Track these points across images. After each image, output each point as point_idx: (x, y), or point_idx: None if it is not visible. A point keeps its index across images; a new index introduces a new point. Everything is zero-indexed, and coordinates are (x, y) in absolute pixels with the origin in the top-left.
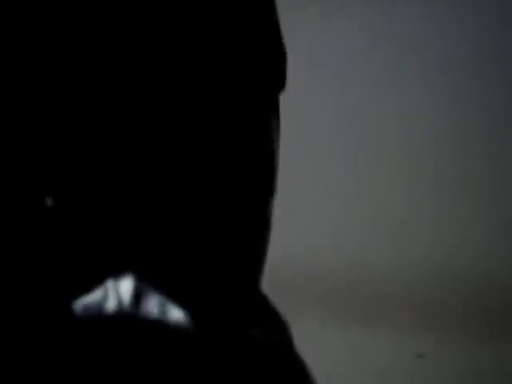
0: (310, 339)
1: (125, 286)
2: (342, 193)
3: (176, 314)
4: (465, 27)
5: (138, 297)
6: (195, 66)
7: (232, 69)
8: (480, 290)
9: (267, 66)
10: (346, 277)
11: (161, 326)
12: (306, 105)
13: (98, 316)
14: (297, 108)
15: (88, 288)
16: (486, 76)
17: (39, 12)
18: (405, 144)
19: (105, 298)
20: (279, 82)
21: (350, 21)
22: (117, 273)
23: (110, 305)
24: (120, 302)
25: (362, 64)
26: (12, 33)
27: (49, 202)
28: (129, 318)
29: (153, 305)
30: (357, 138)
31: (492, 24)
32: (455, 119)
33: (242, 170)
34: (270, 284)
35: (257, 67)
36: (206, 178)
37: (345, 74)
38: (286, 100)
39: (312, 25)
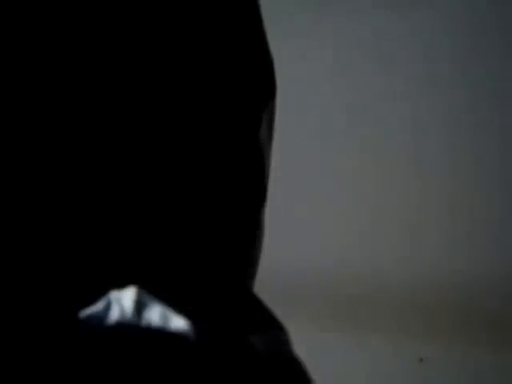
0: (309, 344)
1: (128, 297)
2: (344, 198)
3: (178, 323)
4: (459, 38)
5: (140, 307)
6: (183, 74)
7: (217, 79)
8: (481, 295)
9: (253, 75)
10: (346, 282)
11: (162, 335)
12: (298, 110)
13: (100, 326)
14: (290, 114)
15: (91, 299)
16: (484, 82)
17: (38, 11)
18: (408, 146)
19: (108, 308)
20: (268, 89)
21: (341, 29)
22: (120, 284)
23: (113, 315)
24: (122, 312)
25: (353, 72)
26: (10, 32)
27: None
28: (130, 328)
29: (155, 314)
30: (352, 141)
31: (488, 32)
32: (451, 126)
33: (231, 179)
34: (270, 290)
35: (242, 77)
36: (197, 189)
37: (336, 81)
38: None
39: (301, 33)
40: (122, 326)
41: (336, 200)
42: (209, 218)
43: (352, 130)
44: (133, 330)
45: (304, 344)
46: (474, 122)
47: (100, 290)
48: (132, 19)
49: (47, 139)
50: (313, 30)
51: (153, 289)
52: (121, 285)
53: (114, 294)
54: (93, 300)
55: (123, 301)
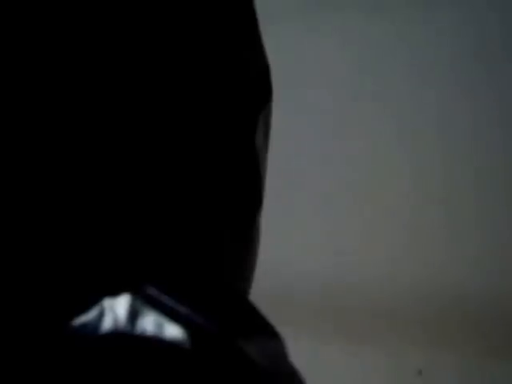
0: (306, 355)
1: (121, 304)
2: (341, 205)
3: (172, 331)
4: (457, 43)
5: (134, 315)
6: (179, 78)
7: (212, 82)
8: (480, 307)
9: (249, 78)
10: (344, 293)
11: (157, 343)
12: (295, 114)
13: (93, 334)
14: (286, 117)
15: (84, 307)
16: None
17: (38, 11)
18: (405, 153)
19: (101, 316)
20: (264, 92)
21: (338, 33)
22: (113, 291)
23: (107, 323)
24: (116, 320)
25: (350, 77)
26: (10, 32)
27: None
28: (124, 336)
29: (149, 322)
30: (353, 142)
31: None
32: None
33: (226, 183)
34: (265, 299)
35: (237, 80)
36: (191, 193)
37: (332, 86)
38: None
39: (298, 37)
40: (116, 335)
41: (337, 203)
42: (203, 223)
43: (352, 131)
44: (126, 339)
45: (301, 355)
46: (502, 122)
47: (93, 297)
48: (130, 22)
49: (46, 139)
50: (313, 30)
51: (147, 295)
52: (115, 290)
53: (107, 302)
54: (86, 307)
55: (117, 309)
